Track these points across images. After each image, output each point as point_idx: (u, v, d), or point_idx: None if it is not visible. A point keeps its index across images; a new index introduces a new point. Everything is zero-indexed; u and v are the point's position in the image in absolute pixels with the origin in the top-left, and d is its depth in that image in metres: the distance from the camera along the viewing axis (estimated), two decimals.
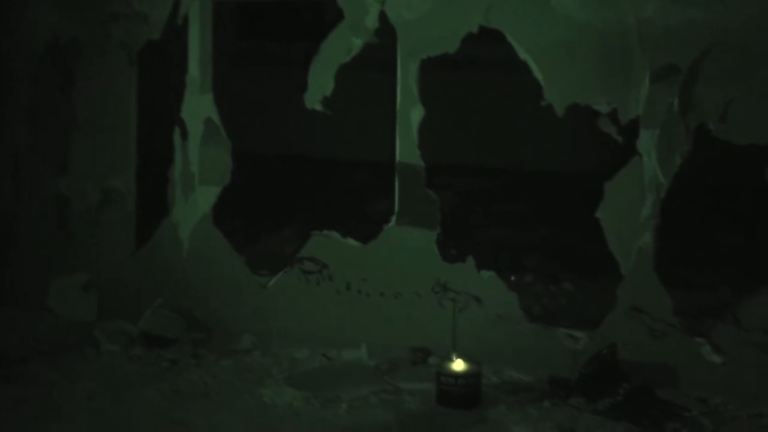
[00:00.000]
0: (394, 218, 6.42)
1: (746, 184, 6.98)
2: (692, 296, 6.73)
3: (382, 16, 6.28)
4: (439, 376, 5.72)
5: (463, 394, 5.67)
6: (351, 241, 6.55)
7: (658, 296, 5.92)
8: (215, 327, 6.68)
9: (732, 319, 5.85)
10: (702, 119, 5.78)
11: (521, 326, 6.18)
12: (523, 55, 6.04)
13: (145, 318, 6.65)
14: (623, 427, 5.43)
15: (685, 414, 5.58)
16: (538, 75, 6.01)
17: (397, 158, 6.36)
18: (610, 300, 6.07)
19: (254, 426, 5.44)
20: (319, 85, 6.41)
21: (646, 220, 5.90)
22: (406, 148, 6.32)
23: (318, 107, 6.44)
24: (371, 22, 6.30)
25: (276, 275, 6.70)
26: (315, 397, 5.73)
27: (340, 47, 6.36)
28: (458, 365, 5.71)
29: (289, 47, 8.39)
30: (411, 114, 6.28)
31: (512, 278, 7.49)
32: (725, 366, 5.80)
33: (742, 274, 7.21)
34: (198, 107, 6.80)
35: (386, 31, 6.30)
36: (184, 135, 6.82)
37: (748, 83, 5.68)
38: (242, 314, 6.67)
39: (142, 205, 7.07)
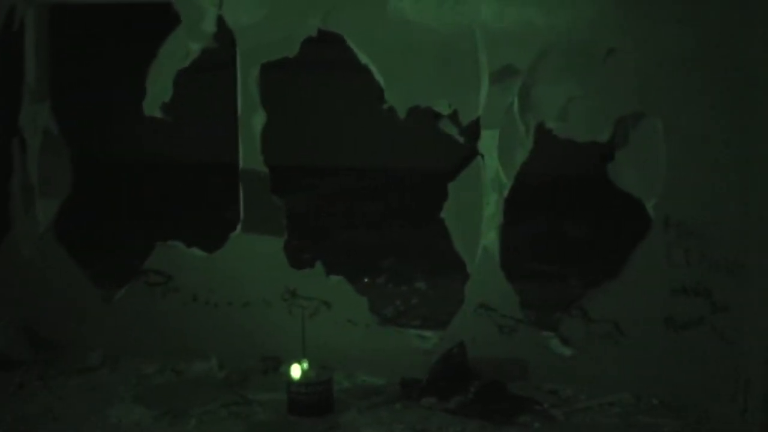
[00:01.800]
0: (239, 226, 6.34)
1: (589, 179, 7.15)
2: (539, 291, 6.83)
3: (220, 21, 6.18)
4: (290, 384, 5.67)
5: (314, 402, 5.63)
6: (196, 251, 6.44)
7: (505, 293, 5.99)
8: (62, 345, 6.49)
9: (579, 311, 5.95)
10: (542, 118, 5.85)
11: (372, 329, 6.17)
12: (363, 58, 6.02)
13: None
14: (475, 424, 5.49)
15: (536, 407, 5.67)
16: (379, 77, 6.00)
17: (241, 164, 6.27)
18: (459, 299, 6.12)
19: None
20: (158, 91, 6.26)
21: (489, 218, 5.95)
22: (249, 154, 6.23)
23: (157, 114, 6.28)
24: (209, 26, 6.18)
25: (121, 289, 6.55)
26: (164, 414, 5.61)
27: (177, 52, 6.23)
28: (297, 371, 5.67)
29: (128, 51, 8.21)
30: (253, 119, 6.19)
31: (365, 280, 7.51)
32: (575, 358, 5.90)
33: (588, 267, 7.39)
34: (36, 116, 6.57)
35: (225, 35, 6.22)
36: (23, 146, 6.61)
37: (586, 82, 5.77)
38: (89, 330, 6.50)
39: None
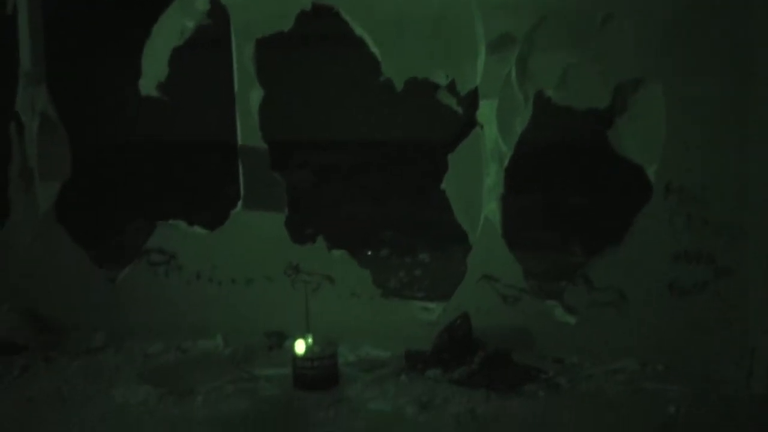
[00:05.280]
0: (240, 203, 6.34)
1: (589, 147, 7.12)
2: (542, 260, 6.84)
3: None
4: (295, 359, 5.68)
5: (319, 376, 5.64)
6: (198, 229, 6.44)
7: (508, 262, 5.98)
8: (66, 327, 6.49)
9: (583, 279, 5.95)
10: (540, 86, 5.82)
11: (375, 302, 6.17)
12: (358, 30, 6.00)
13: None
14: (480, 394, 5.49)
15: (541, 376, 5.67)
16: (375, 50, 5.97)
17: (239, 141, 6.25)
18: (462, 269, 6.11)
19: (107, 429, 5.30)
20: (154, 70, 6.24)
21: (490, 188, 5.94)
22: (247, 131, 6.21)
23: (154, 93, 6.27)
24: (202, 3, 6.15)
25: (124, 269, 6.56)
26: (170, 393, 5.61)
27: (172, 30, 6.21)
28: (302, 346, 5.66)
29: (122, 33, 8.19)
30: (250, 95, 6.18)
31: (368, 253, 7.51)
32: (579, 326, 5.89)
33: (590, 235, 7.36)
34: (33, 99, 6.55)
35: (218, 12, 6.18)
36: (20, 129, 6.60)
37: (584, 49, 5.72)
38: (92, 311, 6.50)
39: None
